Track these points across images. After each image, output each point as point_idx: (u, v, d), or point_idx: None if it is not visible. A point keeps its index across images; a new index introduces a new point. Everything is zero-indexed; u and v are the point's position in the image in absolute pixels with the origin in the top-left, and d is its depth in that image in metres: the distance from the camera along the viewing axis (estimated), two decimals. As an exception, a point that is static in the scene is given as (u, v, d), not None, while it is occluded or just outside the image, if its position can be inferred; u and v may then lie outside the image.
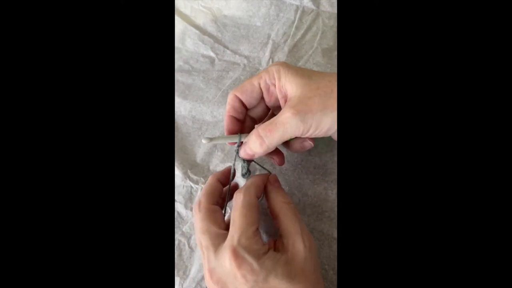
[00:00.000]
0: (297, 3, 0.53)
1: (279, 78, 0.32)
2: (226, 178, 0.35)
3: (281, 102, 0.34)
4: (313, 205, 0.38)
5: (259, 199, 0.31)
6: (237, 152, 0.34)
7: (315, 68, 0.48)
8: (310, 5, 0.52)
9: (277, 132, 0.30)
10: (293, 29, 0.51)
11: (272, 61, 0.49)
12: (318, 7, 0.52)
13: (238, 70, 0.49)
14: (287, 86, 0.32)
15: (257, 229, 0.29)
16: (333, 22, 0.51)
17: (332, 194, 0.38)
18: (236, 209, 0.29)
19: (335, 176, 0.39)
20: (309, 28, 0.51)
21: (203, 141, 0.31)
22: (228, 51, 0.51)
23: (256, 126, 0.33)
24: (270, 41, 0.51)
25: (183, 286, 0.36)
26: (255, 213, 0.29)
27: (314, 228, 0.37)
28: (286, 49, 0.50)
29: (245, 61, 0.50)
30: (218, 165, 0.42)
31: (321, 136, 0.31)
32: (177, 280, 0.36)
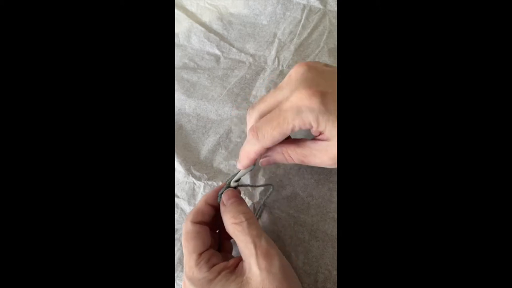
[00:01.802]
0: (304, 2, 0.52)
1: (318, 126, 0.28)
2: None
3: (313, 132, 0.30)
4: (317, 206, 0.37)
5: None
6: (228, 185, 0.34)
7: (321, 68, 0.47)
8: (317, 4, 0.52)
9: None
10: (300, 28, 0.51)
11: (278, 60, 0.49)
12: (325, 6, 0.52)
13: (244, 68, 0.49)
14: (328, 134, 0.28)
15: (201, 254, 0.29)
16: (340, 22, 0.50)
17: (336, 195, 0.38)
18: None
19: (340, 177, 0.38)
20: (315, 27, 0.51)
21: (232, 184, 0.33)
22: (234, 49, 0.51)
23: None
24: (276, 40, 0.51)
25: (185, 284, 0.35)
26: (193, 240, 0.29)
27: (318, 228, 0.36)
28: (292, 48, 0.49)
29: (251, 60, 0.50)
30: (222, 163, 0.42)
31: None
32: (181, 276, 0.36)
